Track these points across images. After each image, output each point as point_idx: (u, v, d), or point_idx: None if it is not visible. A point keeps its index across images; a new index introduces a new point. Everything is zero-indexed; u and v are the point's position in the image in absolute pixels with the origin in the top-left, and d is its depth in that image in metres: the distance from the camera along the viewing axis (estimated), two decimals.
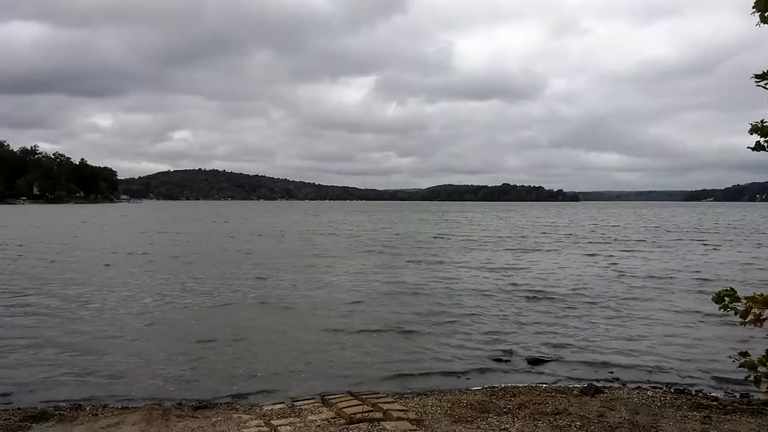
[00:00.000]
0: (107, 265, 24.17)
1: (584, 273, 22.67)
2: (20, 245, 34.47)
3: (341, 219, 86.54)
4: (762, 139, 5.08)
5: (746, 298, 5.09)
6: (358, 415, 6.67)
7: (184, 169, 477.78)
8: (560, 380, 9.29)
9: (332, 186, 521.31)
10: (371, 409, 6.94)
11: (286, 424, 6.59)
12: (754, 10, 4.99)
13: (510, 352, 10.85)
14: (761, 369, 4.94)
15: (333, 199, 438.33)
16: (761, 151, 5.18)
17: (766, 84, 4.91)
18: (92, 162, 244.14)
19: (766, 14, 4.99)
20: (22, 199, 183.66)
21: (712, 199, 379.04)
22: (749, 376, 4.98)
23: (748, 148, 5.24)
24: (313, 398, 7.89)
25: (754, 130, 5.10)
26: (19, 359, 10.20)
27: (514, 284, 19.46)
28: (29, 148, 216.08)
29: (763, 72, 4.91)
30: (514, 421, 6.74)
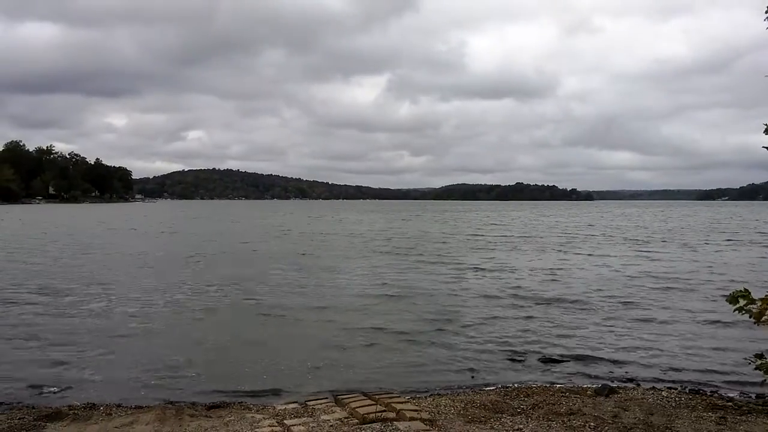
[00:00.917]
0: (108, 267, 24.31)
1: (597, 274, 22.54)
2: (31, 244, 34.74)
3: (352, 218, 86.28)
4: None
5: (761, 299, 5.03)
6: (371, 415, 6.67)
7: (198, 168, 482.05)
8: (574, 380, 9.25)
9: (346, 185, 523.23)
10: (384, 409, 6.94)
11: (299, 424, 6.60)
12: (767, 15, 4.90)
13: (523, 353, 10.81)
14: None
15: (346, 199, 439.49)
16: None
17: None
18: (107, 162, 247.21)
19: None
20: (38, 199, 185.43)
21: (726, 198, 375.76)
22: (766, 379, 4.93)
23: (763, 147, 5.18)
24: (326, 398, 7.90)
25: None
26: (31, 359, 10.27)
27: (527, 285, 19.40)
28: (45, 148, 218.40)
29: None
30: (527, 422, 6.71)
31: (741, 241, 40.08)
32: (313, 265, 24.52)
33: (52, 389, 8.70)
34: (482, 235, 46.44)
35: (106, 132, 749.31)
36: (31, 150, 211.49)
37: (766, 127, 5.01)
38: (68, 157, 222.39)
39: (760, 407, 7.48)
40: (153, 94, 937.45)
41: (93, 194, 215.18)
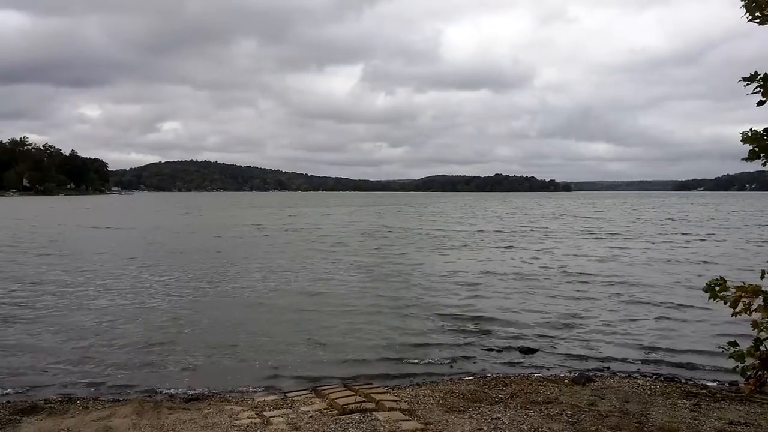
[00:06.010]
0: (82, 263, 24.04)
1: (573, 264, 22.73)
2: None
3: (318, 212, 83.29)
4: (754, 147, 5.01)
5: (736, 287, 5.08)
6: (351, 406, 6.68)
7: (176, 160, 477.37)
8: (552, 370, 9.33)
9: (325, 177, 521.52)
10: (364, 399, 6.95)
11: (279, 416, 6.59)
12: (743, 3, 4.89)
13: (501, 343, 10.90)
14: (749, 360, 4.95)
15: (326, 190, 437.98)
16: (755, 160, 5.12)
17: (755, 90, 4.82)
18: (82, 153, 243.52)
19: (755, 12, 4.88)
20: (12, 191, 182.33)
21: (702, 188, 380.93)
22: (737, 366, 5.00)
23: (742, 159, 5.20)
24: (306, 389, 7.89)
25: (746, 140, 5.05)
26: (7, 353, 10.14)
27: (503, 275, 19.52)
28: (18, 139, 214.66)
29: (751, 74, 4.82)
30: (506, 411, 6.76)
31: (722, 231, 40.72)
32: (274, 264, 24.32)
33: (27, 383, 8.59)
34: (451, 228, 46.84)
35: (78, 123, 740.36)
36: (4, 141, 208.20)
37: (742, 137, 5.02)
38: (42, 148, 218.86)
39: (733, 394, 7.62)
40: (125, 84, 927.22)
41: (68, 186, 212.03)
